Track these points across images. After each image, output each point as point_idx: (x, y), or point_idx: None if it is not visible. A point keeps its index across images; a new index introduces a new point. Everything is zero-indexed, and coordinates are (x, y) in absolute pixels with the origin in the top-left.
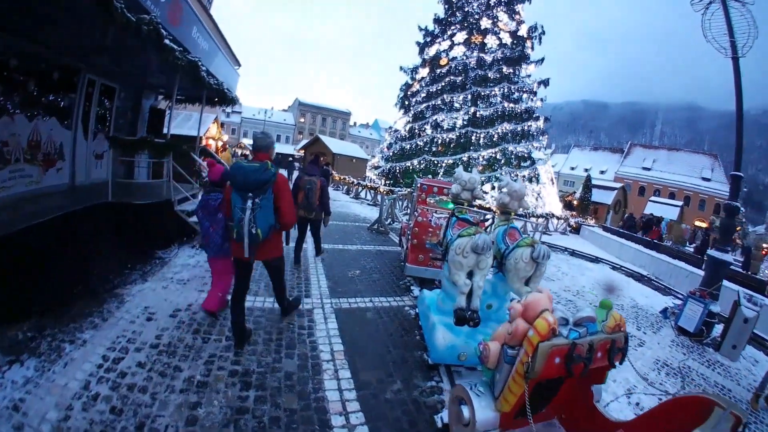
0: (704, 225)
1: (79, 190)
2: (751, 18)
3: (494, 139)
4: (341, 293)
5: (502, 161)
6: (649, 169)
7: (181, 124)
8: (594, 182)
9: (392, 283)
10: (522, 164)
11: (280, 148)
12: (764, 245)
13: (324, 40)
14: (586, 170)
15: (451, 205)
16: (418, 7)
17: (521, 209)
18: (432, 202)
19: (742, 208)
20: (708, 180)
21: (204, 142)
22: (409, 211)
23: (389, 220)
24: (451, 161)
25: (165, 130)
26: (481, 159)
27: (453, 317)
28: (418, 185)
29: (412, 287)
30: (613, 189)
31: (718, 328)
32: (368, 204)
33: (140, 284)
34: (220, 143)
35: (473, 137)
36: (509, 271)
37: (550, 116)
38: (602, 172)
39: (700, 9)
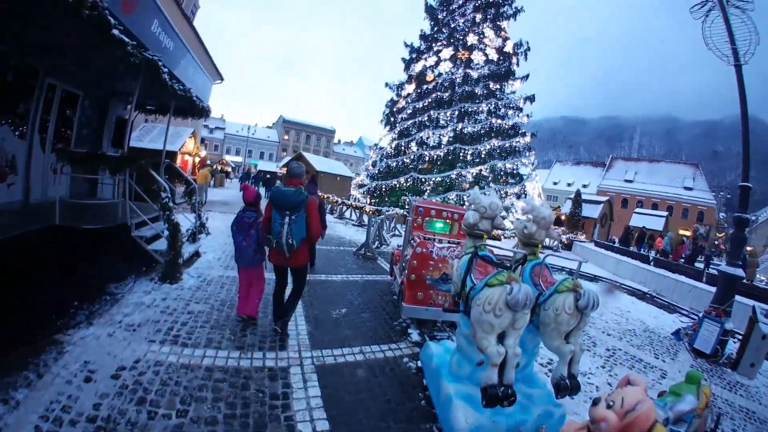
0: (688, 233)
1: (34, 208)
2: (752, 24)
3: (482, 156)
4: (325, 342)
5: (490, 178)
6: (631, 181)
7: (156, 138)
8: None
9: (385, 325)
10: (510, 180)
11: (263, 165)
12: (748, 248)
13: (311, 58)
14: (569, 185)
15: (439, 228)
16: (405, 25)
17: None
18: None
19: (751, 217)
20: (690, 189)
21: (179, 159)
22: (401, 234)
23: (376, 243)
24: (439, 179)
25: (132, 143)
26: (470, 176)
27: (481, 396)
28: (414, 207)
29: (409, 330)
30: (599, 203)
31: (731, 345)
32: (353, 224)
33: (84, 329)
34: (197, 159)
35: (461, 154)
36: (546, 324)
37: (536, 132)
38: (585, 186)
39: (699, 17)
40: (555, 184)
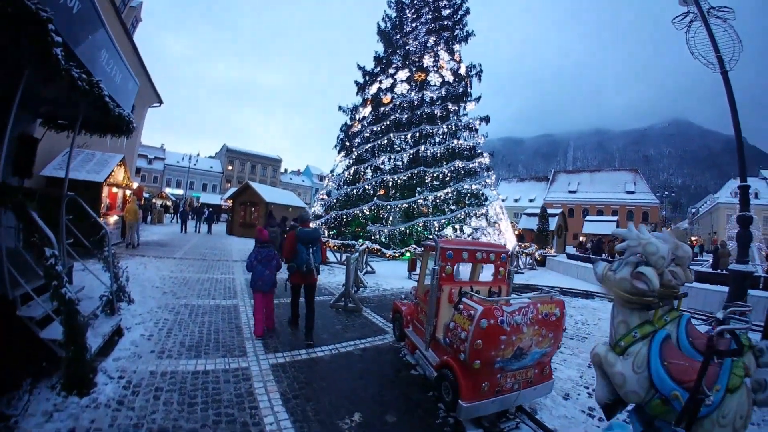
0: None
1: None
2: (734, 33)
3: (446, 179)
4: None
5: (451, 200)
6: (574, 192)
7: (80, 165)
8: (530, 211)
9: (428, 428)
10: (472, 201)
11: (206, 198)
12: (693, 238)
13: (256, 87)
14: (516, 200)
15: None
16: (354, 50)
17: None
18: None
19: (692, 209)
20: (632, 193)
21: (106, 191)
22: (374, 271)
23: (354, 287)
24: (405, 205)
25: (51, 171)
26: (438, 201)
27: None
28: (440, 250)
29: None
30: (554, 215)
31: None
32: None
33: None
34: (128, 192)
35: (425, 177)
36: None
37: (492, 152)
38: (531, 201)
39: (682, 27)
40: (503, 201)
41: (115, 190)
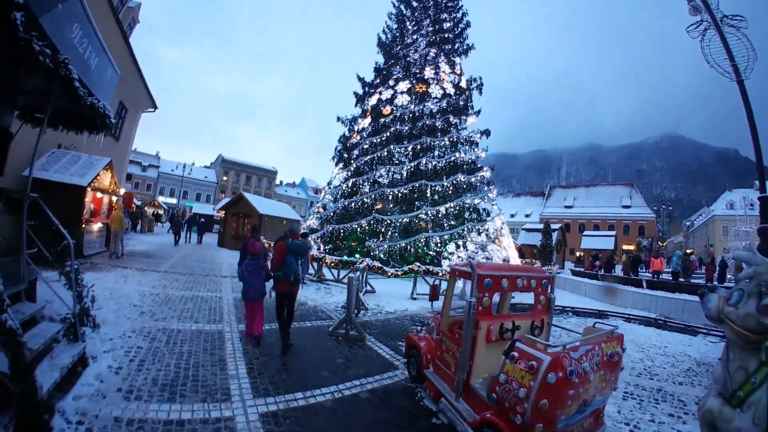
0: (632, 248)
1: None
2: (748, 41)
3: (448, 192)
4: None
5: (452, 215)
6: (571, 207)
7: (64, 168)
8: (528, 226)
9: None
10: (473, 216)
11: (198, 208)
12: (688, 250)
13: (254, 97)
14: (512, 216)
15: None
16: (351, 67)
17: None
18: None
19: (686, 222)
20: (628, 207)
21: (90, 196)
22: (374, 290)
23: (354, 310)
24: (407, 219)
25: (34, 173)
26: (439, 215)
27: None
28: (477, 277)
29: None
30: (553, 230)
31: None
32: (311, 280)
33: None
34: (115, 198)
35: (426, 191)
36: None
37: (493, 166)
38: (527, 216)
39: (697, 36)
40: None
41: (100, 195)
